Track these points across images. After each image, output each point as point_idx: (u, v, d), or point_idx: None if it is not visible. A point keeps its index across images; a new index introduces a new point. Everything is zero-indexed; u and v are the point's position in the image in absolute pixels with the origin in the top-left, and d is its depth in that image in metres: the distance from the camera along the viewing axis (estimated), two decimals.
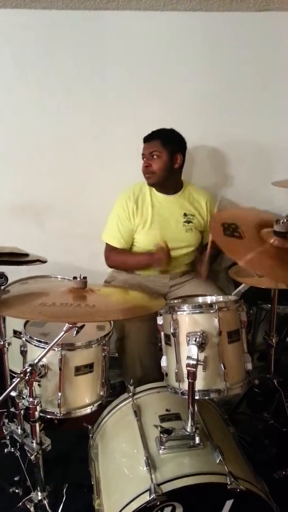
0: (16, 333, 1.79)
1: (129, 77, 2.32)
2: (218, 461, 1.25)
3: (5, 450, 1.70)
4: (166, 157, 2.06)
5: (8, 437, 1.64)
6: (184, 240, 2.14)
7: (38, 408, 1.34)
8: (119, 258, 2.15)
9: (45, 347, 1.38)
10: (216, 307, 1.41)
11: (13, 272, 1.92)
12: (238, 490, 1.17)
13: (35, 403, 1.33)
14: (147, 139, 2.11)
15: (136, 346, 1.90)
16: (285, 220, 1.33)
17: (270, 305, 1.80)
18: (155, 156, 2.06)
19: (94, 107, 2.34)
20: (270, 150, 2.43)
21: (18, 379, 1.31)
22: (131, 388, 1.60)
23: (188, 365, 1.29)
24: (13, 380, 1.32)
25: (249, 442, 1.75)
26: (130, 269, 2.17)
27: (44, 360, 1.44)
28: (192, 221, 2.16)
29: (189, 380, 1.30)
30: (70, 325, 1.29)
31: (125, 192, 2.16)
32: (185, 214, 2.15)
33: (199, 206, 2.20)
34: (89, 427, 1.62)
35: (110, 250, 2.17)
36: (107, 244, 2.17)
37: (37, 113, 2.34)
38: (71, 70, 2.30)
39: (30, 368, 1.30)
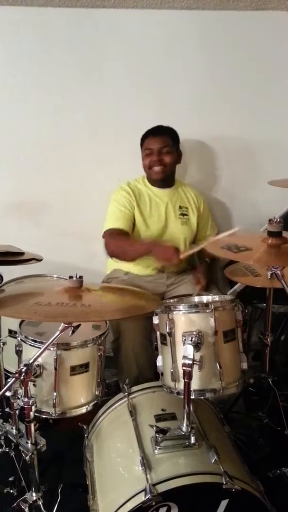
0: (12, 333, 1.78)
1: (125, 75, 2.31)
2: (213, 461, 1.24)
3: (0, 450, 1.69)
4: (175, 154, 2.11)
5: (3, 437, 1.62)
6: (180, 233, 2.16)
7: (33, 408, 1.33)
8: (118, 244, 2.02)
9: (41, 346, 1.37)
10: (212, 307, 1.41)
11: (8, 272, 1.92)
12: (233, 489, 1.16)
13: (30, 403, 1.32)
14: (156, 133, 2.10)
15: (131, 345, 1.90)
16: (278, 220, 1.34)
17: (265, 305, 1.80)
18: (165, 151, 2.07)
19: (90, 105, 2.34)
20: (265, 150, 2.44)
21: (13, 379, 1.30)
22: (127, 387, 1.60)
23: (184, 364, 1.29)
24: (8, 380, 1.31)
25: (244, 441, 1.75)
26: (128, 259, 2.05)
27: (40, 359, 1.43)
28: (187, 214, 2.19)
29: (185, 380, 1.30)
30: (66, 325, 1.28)
31: (121, 187, 2.17)
32: (180, 207, 2.19)
33: (191, 200, 2.23)
34: (84, 427, 1.61)
35: (109, 235, 2.05)
36: (106, 232, 2.07)
37: (33, 112, 2.33)
38: (68, 68, 2.29)
39: (25, 368, 1.29)
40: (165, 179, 2.15)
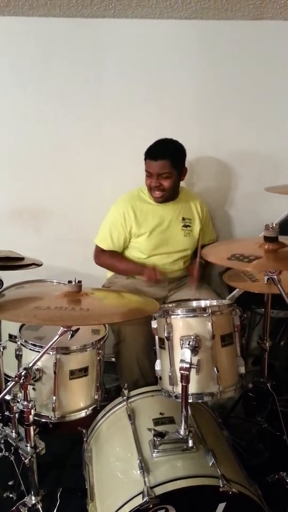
0: (12, 337, 1.80)
1: (125, 84, 2.34)
2: (210, 464, 1.25)
3: None
4: (176, 176, 2.07)
5: (3, 441, 1.63)
6: (182, 244, 2.17)
7: (32, 411, 1.35)
8: (108, 260, 2.19)
9: (40, 350, 1.39)
10: (210, 311, 1.42)
11: (9, 277, 1.94)
12: (231, 492, 1.17)
13: (29, 407, 1.34)
14: (154, 157, 2.04)
15: (132, 349, 1.91)
16: (274, 226, 1.36)
17: (263, 310, 1.81)
18: (164, 176, 2.04)
19: (91, 113, 2.36)
20: (267, 158, 2.45)
21: (13, 382, 1.31)
22: (126, 391, 1.61)
23: (181, 368, 1.30)
24: (8, 383, 1.33)
25: (243, 446, 1.76)
26: (117, 272, 2.21)
27: (39, 363, 1.45)
28: (190, 225, 2.19)
29: (183, 384, 1.31)
30: (65, 329, 1.29)
31: (123, 199, 2.17)
32: (183, 219, 2.18)
33: (195, 210, 2.23)
34: (84, 431, 1.62)
35: (99, 251, 2.20)
36: (97, 245, 2.20)
37: (34, 119, 2.37)
38: (68, 77, 2.33)
39: (25, 371, 1.30)
40: (165, 200, 2.14)
